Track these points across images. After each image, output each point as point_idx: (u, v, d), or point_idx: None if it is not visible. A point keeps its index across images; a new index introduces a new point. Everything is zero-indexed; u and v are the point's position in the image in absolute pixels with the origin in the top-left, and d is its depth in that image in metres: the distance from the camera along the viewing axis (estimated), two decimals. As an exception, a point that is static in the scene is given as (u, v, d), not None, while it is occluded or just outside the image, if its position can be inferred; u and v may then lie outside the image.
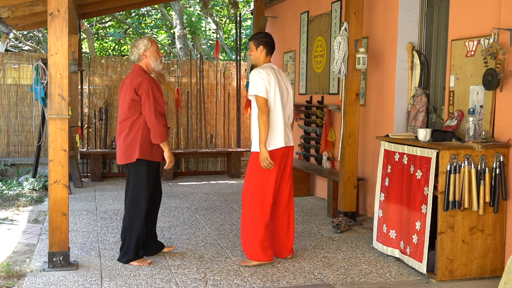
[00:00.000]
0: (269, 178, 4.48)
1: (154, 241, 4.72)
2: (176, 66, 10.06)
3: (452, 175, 4.05)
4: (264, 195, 4.48)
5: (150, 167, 4.45)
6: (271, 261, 4.54)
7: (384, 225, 4.73)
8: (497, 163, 4.11)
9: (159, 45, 16.07)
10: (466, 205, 4.06)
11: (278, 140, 4.48)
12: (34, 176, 8.34)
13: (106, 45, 16.41)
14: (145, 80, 4.35)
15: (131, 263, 4.46)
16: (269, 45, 4.65)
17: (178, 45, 13.65)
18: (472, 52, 4.69)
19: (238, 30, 10.40)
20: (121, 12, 14.21)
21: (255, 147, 4.49)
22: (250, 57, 4.68)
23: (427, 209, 4.15)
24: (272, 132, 4.45)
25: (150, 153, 4.41)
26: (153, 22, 15.63)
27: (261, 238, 4.46)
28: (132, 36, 15.94)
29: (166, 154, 4.45)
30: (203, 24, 15.37)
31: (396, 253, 4.56)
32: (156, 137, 4.33)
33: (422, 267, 4.20)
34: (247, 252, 4.53)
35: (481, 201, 4.08)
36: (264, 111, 4.36)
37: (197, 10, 14.75)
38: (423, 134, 4.39)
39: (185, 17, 14.23)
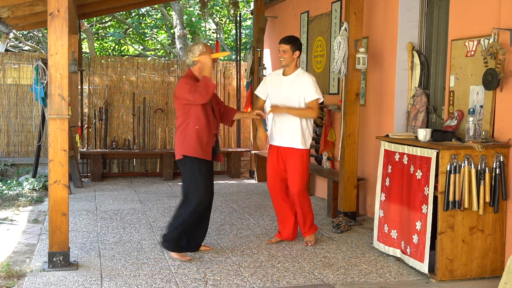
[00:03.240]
0: None
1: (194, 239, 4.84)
2: (176, 66, 10.05)
3: (452, 175, 4.05)
4: None
5: (200, 164, 4.55)
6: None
7: (386, 225, 4.73)
8: (497, 163, 4.11)
9: (159, 45, 16.16)
10: (466, 205, 4.07)
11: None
12: (34, 176, 8.34)
13: (106, 45, 16.40)
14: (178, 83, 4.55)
15: (172, 253, 4.61)
16: (301, 52, 5.13)
17: (178, 45, 13.64)
18: (472, 52, 4.69)
19: (238, 30, 10.39)
20: (121, 12, 14.20)
21: (298, 144, 4.96)
22: (282, 59, 4.97)
23: (428, 209, 4.15)
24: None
25: (198, 151, 4.53)
26: (153, 22, 15.62)
27: None
28: (132, 36, 15.93)
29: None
30: (203, 24, 15.35)
31: (398, 253, 4.56)
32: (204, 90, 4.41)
33: (424, 267, 4.20)
34: (312, 226, 5.14)
35: (481, 201, 4.08)
36: (318, 113, 5.06)
37: (197, 10, 14.73)
38: (423, 134, 4.39)
39: (185, 17, 14.22)
